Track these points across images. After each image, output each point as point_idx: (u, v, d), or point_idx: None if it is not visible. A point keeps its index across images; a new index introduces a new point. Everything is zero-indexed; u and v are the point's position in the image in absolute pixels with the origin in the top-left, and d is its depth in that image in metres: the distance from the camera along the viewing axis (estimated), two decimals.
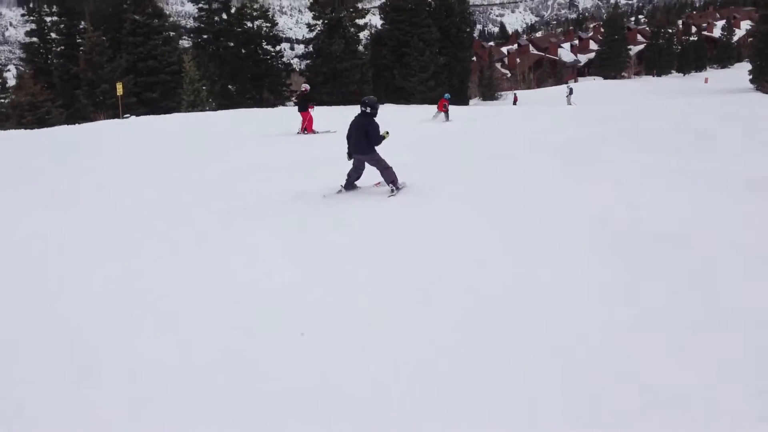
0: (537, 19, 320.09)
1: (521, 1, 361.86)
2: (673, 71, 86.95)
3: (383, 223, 7.54)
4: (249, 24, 40.60)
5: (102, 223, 8.20)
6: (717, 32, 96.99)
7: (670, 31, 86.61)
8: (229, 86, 40.56)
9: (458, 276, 5.54)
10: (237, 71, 39.93)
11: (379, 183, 9.59)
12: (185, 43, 49.34)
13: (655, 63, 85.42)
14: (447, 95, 27.87)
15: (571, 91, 41.59)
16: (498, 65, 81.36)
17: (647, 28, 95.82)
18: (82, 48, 37.32)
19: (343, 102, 39.48)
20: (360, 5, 40.90)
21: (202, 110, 32.16)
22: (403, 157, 11.21)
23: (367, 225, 7.48)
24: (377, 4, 50.48)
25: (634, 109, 24.67)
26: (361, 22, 41.25)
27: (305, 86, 20.79)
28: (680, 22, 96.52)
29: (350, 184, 9.48)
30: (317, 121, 20.62)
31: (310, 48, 40.99)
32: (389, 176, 9.02)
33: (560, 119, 21.26)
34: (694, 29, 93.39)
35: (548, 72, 79.86)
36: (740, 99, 46.52)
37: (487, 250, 6.21)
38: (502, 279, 5.41)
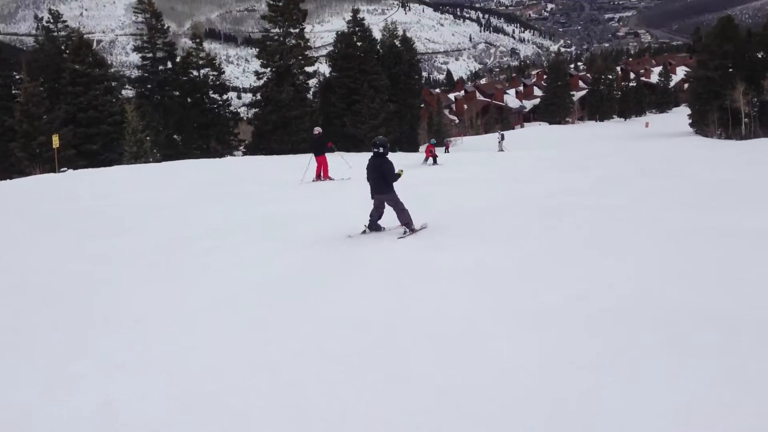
0: (480, 66, 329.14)
1: (465, 50, 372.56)
2: (614, 116, 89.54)
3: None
4: (195, 72, 39.67)
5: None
6: (654, 78, 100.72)
7: (610, 77, 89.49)
8: (175, 136, 39.30)
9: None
10: (183, 121, 38.78)
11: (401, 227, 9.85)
12: (129, 93, 48.06)
13: (597, 108, 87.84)
14: (433, 140, 29.93)
15: (502, 137, 42.37)
16: (446, 111, 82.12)
17: (588, 75, 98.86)
18: (18, 99, 35.61)
19: (293, 151, 38.67)
20: (308, 53, 40.39)
21: (145, 161, 30.78)
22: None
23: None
24: (324, 52, 50.48)
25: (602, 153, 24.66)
26: (310, 69, 40.76)
27: (318, 129, 19.45)
28: (619, 68, 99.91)
29: (373, 224, 9.81)
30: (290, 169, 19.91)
31: (258, 96, 40.20)
32: (404, 218, 9.43)
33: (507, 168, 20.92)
34: (632, 75, 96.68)
35: (495, 118, 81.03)
36: (685, 142, 47.86)
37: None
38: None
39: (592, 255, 7.73)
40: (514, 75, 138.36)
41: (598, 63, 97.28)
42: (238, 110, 45.43)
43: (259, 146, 39.59)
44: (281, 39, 39.13)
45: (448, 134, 69.76)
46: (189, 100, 39.42)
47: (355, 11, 47.29)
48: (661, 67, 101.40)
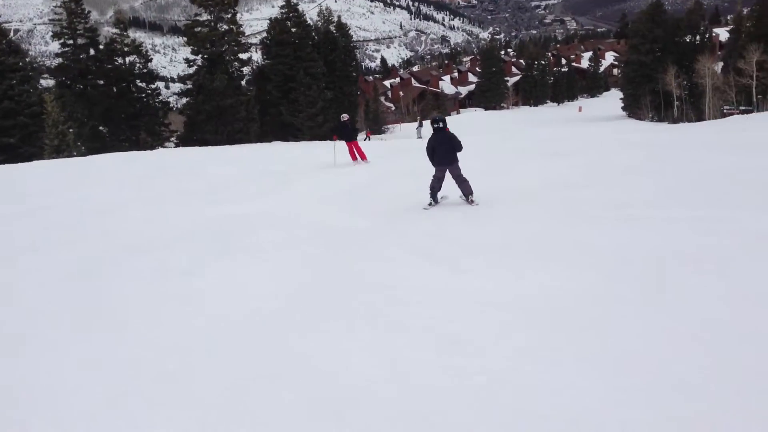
0: (412, 53, 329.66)
1: (396, 37, 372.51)
2: (548, 101, 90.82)
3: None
4: (120, 60, 37.37)
5: None
6: (585, 63, 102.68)
7: (543, 63, 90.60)
8: (101, 128, 36.92)
9: None
10: (109, 111, 36.45)
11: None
12: (50, 83, 45.03)
13: (531, 93, 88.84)
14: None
15: (421, 125, 42.87)
16: (382, 98, 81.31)
17: (521, 61, 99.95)
18: None
19: (228, 141, 37.01)
20: (241, 39, 38.69)
21: (68, 155, 28.67)
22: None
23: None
24: (255, 41, 48.67)
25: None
26: (243, 56, 39.08)
27: (345, 116, 19.20)
28: (550, 54, 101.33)
29: (435, 195, 10.24)
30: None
31: (190, 84, 38.28)
32: (467, 189, 9.96)
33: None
34: (563, 61, 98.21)
35: (432, 104, 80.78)
36: (623, 125, 48.61)
37: None
38: None
39: None
40: (447, 62, 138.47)
41: (530, 49, 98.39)
42: (169, 100, 43.25)
43: (192, 137, 37.74)
44: (212, 24, 37.28)
45: (385, 121, 69.22)
46: (115, 89, 37.11)
47: None
48: (591, 52, 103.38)
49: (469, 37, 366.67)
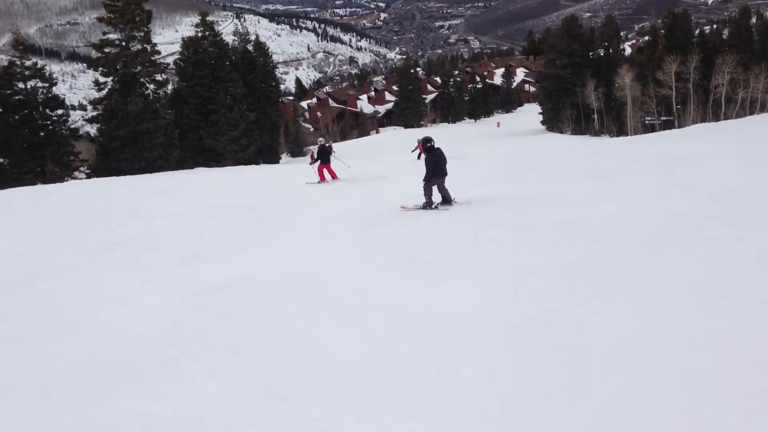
0: (321, 75, 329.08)
1: (304, 59, 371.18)
2: (465, 117, 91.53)
3: None
4: (21, 85, 33.91)
5: None
6: (497, 80, 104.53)
7: (459, 79, 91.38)
8: (0, 159, 33.22)
9: None
10: (8, 141, 32.85)
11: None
12: None
13: (449, 110, 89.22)
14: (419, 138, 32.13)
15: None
16: (299, 120, 79.43)
17: (436, 79, 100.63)
18: None
19: (146, 169, 34.23)
20: (156, 59, 36.03)
21: None
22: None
23: None
24: (169, 60, 45.88)
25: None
26: (160, 77, 36.39)
27: (322, 139, 22.28)
28: (467, 70, 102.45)
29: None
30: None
31: (101, 109, 35.20)
32: (448, 195, 11.72)
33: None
34: (477, 78, 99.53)
35: (352, 124, 79.61)
36: (548, 139, 49.02)
37: None
38: None
39: None
40: (362, 81, 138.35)
41: (446, 66, 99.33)
42: (78, 126, 39.81)
43: (106, 166, 34.64)
44: (124, 44, 34.47)
45: (305, 143, 67.32)
46: (15, 117, 33.56)
47: (204, 13, 43.46)
48: (504, 69, 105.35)
49: (377, 58, 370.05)
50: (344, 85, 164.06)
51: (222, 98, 41.56)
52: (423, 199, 11.72)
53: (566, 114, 60.18)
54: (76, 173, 35.94)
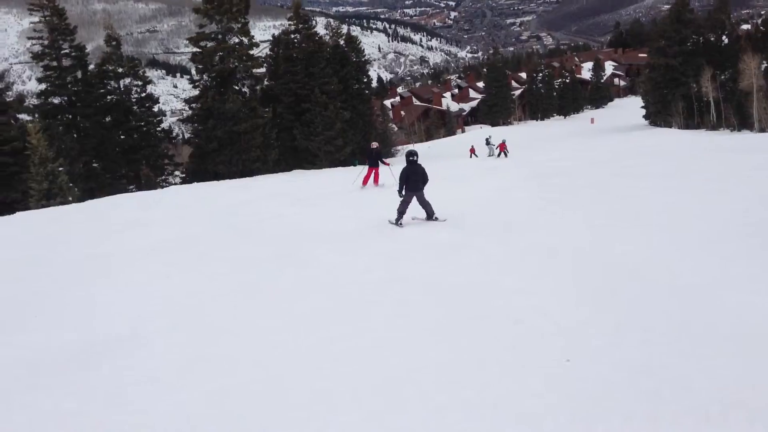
0: (392, 75, 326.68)
1: (375, 60, 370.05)
2: (554, 114, 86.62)
3: None
4: (114, 84, 31.96)
5: None
6: (585, 74, 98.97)
7: (547, 73, 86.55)
8: (94, 164, 31.32)
9: None
10: (103, 144, 30.97)
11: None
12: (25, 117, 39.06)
13: (537, 107, 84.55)
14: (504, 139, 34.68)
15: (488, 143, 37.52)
16: (386, 119, 76.52)
17: (520, 75, 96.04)
18: None
19: (244, 173, 31.67)
20: (254, 52, 33.48)
21: (63, 201, 23.06)
22: None
23: None
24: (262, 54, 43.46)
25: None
26: (258, 72, 33.83)
27: (375, 144, 21.30)
28: (554, 65, 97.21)
29: (401, 217, 11.68)
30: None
31: (196, 108, 32.86)
32: (430, 210, 11.75)
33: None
34: (564, 72, 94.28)
35: (438, 123, 76.08)
36: (672, 135, 44.38)
37: None
38: None
39: None
40: (435, 81, 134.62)
41: (533, 60, 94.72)
42: (172, 127, 37.83)
43: (202, 169, 32.28)
44: (220, 37, 32.03)
45: (395, 142, 64.24)
46: (109, 117, 31.64)
47: (297, 5, 40.71)
48: (593, 62, 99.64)
49: (448, 57, 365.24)
50: (417, 84, 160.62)
51: (317, 96, 38.78)
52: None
53: (677, 107, 54.89)
54: (170, 178, 33.84)
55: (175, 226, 12.97)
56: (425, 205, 11.63)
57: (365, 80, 48.86)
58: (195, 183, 27.35)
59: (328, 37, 46.96)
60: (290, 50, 39.79)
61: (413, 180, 11.42)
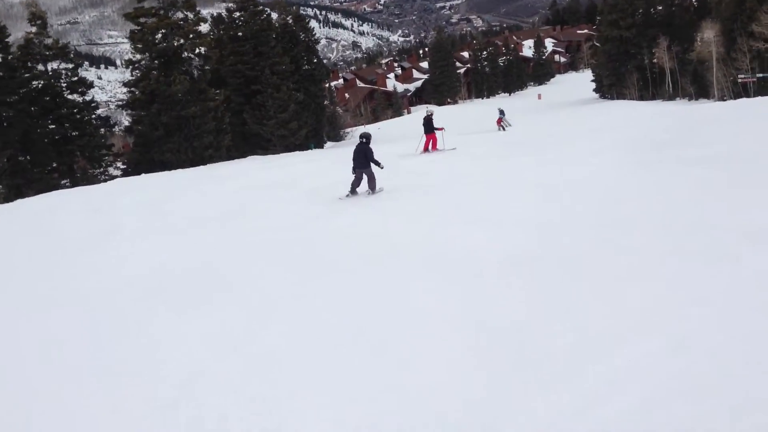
0: (325, 60, 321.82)
1: None
2: (500, 92, 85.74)
3: None
4: (40, 67, 28.15)
5: None
6: (526, 52, 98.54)
7: (491, 51, 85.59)
8: (20, 158, 27.47)
9: None
10: (30, 135, 27.15)
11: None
12: None
13: (482, 85, 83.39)
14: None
15: (501, 113, 34.86)
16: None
17: (462, 54, 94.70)
18: None
19: (195, 161, 28.54)
20: (200, 29, 30.19)
21: None
22: None
23: None
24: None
25: None
26: (207, 51, 30.56)
27: (431, 111, 21.46)
28: (497, 42, 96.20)
29: (353, 191, 12.83)
30: None
31: (138, 92, 29.34)
32: (372, 185, 12.76)
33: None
34: (505, 50, 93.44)
35: (384, 104, 73.71)
36: (624, 107, 43.53)
37: None
38: None
39: None
40: (391, 59, 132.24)
41: (479, 39, 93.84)
42: (106, 113, 34.07)
43: (146, 159, 28.90)
44: (162, 12, 28.60)
45: (344, 124, 61.66)
46: (35, 106, 27.79)
47: None
48: (533, 40, 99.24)
49: (380, 41, 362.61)
50: (352, 68, 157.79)
51: (268, 76, 35.82)
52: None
53: (631, 79, 54.56)
54: (110, 169, 30.28)
55: (165, 242, 10.08)
56: (370, 179, 12.61)
57: (315, 60, 46.01)
58: (143, 174, 24.16)
59: (275, 15, 43.91)
60: (234, 29, 36.65)
61: (357, 159, 12.50)
